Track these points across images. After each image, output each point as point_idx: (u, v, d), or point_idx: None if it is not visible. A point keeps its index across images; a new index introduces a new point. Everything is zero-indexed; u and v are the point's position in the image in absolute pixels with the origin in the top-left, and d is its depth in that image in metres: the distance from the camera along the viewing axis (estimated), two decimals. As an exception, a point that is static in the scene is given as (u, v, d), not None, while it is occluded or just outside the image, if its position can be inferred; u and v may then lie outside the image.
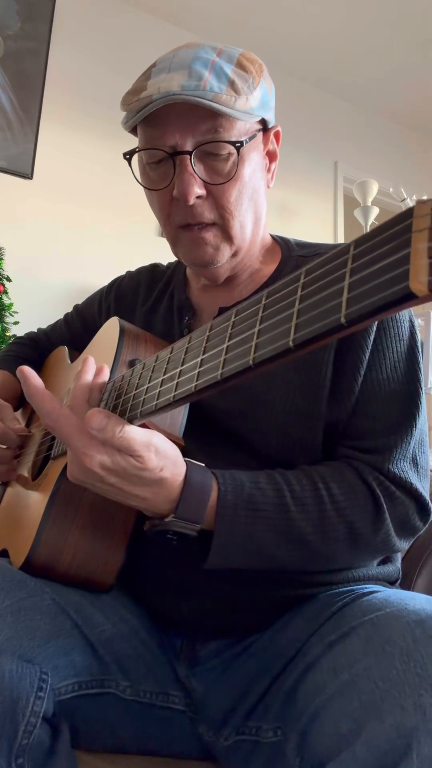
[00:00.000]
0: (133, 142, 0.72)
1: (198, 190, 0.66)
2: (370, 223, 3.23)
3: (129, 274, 0.95)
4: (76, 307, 1.03)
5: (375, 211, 3.23)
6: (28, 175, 2.88)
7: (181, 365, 0.44)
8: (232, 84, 0.65)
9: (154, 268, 0.93)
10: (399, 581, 0.76)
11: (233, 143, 0.66)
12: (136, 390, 0.51)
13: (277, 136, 0.77)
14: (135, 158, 0.71)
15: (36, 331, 1.11)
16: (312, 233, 3.53)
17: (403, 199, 3.35)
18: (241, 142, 0.67)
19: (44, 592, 0.63)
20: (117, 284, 0.95)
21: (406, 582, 0.90)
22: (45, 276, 2.82)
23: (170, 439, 0.57)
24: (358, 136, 4.02)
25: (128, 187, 3.56)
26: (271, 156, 0.77)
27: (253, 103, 0.67)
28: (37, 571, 0.65)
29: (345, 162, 3.91)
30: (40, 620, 0.60)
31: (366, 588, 0.64)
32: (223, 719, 0.65)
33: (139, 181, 0.72)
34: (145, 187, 0.72)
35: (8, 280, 2.46)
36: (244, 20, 3.32)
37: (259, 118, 0.70)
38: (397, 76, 3.71)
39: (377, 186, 3.22)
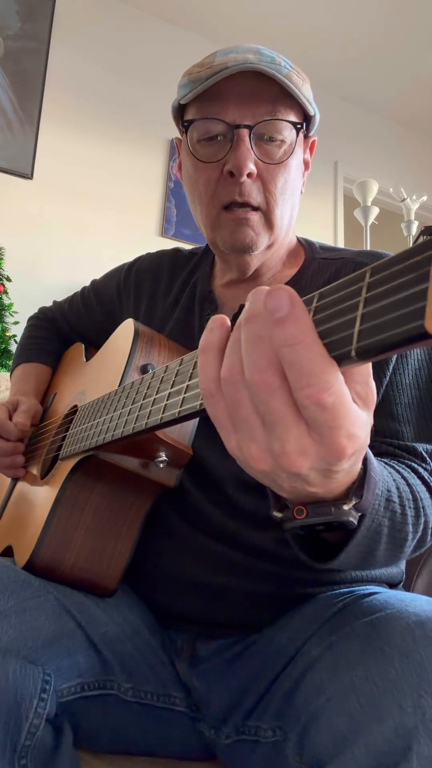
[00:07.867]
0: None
1: (251, 165, 0.68)
2: (369, 223, 3.22)
3: (149, 257, 0.94)
4: (94, 285, 1.00)
5: (375, 211, 3.21)
6: (28, 175, 2.88)
7: (189, 380, 0.42)
8: (297, 72, 0.69)
9: (177, 253, 0.92)
10: (402, 583, 0.76)
11: (293, 123, 0.69)
12: (143, 400, 0.49)
13: (312, 146, 0.78)
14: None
15: (52, 306, 1.08)
16: (312, 233, 3.51)
17: (403, 199, 3.34)
18: (302, 124, 0.70)
19: (48, 593, 0.63)
20: (136, 268, 0.93)
21: (406, 582, 0.90)
22: (45, 276, 2.82)
23: (179, 448, 0.56)
24: (358, 136, 4.02)
25: (128, 187, 3.54)
26: (305, 164, 0.78)
27: (311, 95, 0.71)
28: (39, 572, 0.65)
29: (345, 162, 3.90)
30: (45, 620, 0.60)
31: (367, 589, 0.65)
32: (223, 718, 0.65)
33: (193, 152, 0.71)
34: (196, 160, 0.71)
35: (8, 280, 2.47)
36: (244, 21, 3.32)
37: (312, 113, 0.72)
38: (398, 76, 3.70)
39: (377, 186, 3.20)
